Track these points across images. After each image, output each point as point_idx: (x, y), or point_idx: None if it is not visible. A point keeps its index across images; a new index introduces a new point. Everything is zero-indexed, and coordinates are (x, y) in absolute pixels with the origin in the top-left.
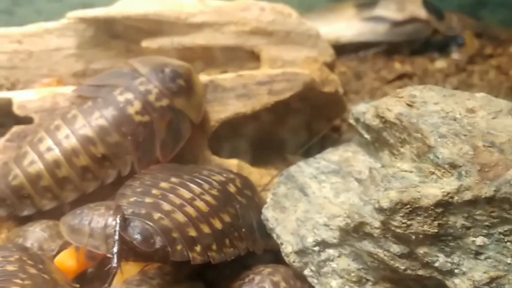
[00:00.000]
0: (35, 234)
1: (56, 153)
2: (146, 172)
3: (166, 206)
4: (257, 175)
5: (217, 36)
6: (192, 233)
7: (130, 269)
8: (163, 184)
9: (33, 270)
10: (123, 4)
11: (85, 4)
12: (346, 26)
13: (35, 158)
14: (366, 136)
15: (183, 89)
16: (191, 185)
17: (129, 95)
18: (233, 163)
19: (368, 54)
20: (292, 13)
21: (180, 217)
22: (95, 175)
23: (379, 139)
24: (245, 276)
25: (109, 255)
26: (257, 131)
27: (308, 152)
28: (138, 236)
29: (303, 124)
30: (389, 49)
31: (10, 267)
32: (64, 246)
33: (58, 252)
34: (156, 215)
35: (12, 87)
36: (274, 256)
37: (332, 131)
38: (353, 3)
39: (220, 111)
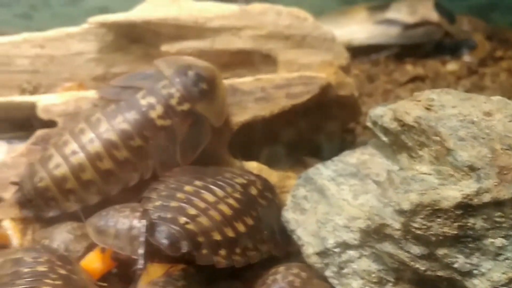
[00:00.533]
0: (61, 236)
1: (81, 156)
2: (170, 175)
3: (191, 210)
4: (275, 177)
5: (234, 40)
6: (217, 237)
7: (156, 270)
8: (187, 188)
9: (62, 271)
10: (142, 9)
11: (101, 8)
12: (358, 29)
13: (61, 161)
14: (384, 139)
15: (206, 93)
16: (215, 188)
17: (152, 99)
18: (252, 166)
19: (380, 57)
20: (308, 17)
21: (205, 221)
22: (118, 178)
23: (397, 142)
24: (264, 280)
25: (134, 257)
26: (274, 134)
27: (324, 154)
28: (165, 241)
29: (318, 127)
30: (400, 51)
31: (40, 268)
32: (90, 247)
33: (84, 254)
34: (182, 220)
35: (34, 91)
36: (295, 257)
37: (346, 133)
38: (365, 6)
39: (239, 114)
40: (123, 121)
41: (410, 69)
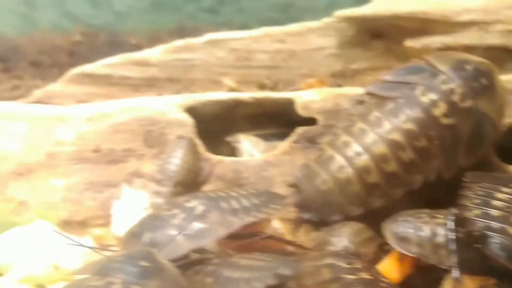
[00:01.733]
0: (349, 238)
1: (365, 158)
2: (470, 181)
3: None
4: None
5: (482, 36)
6: None
7: (467, 283)
8: (500, 195)
9: (385, 279)
10: (378, 3)
11: (286, 3)
12: None
13: (344, 163)
14: None
15: (487, 89)
16: None
17: (433, 96)
18: None
19: None
20: None
21: None
22: (402, 181)
23: None
24: None
25: (441, 266)
26: None
27: None
28: (502, 253)
29: None
30: None
31: (365, 275)
32: (377, 252)
33: (374, 259)
34: None
35: (274, 86)
36: None
37: None
38: None
39: (510, 115)
40: (406, 120)
41: None
